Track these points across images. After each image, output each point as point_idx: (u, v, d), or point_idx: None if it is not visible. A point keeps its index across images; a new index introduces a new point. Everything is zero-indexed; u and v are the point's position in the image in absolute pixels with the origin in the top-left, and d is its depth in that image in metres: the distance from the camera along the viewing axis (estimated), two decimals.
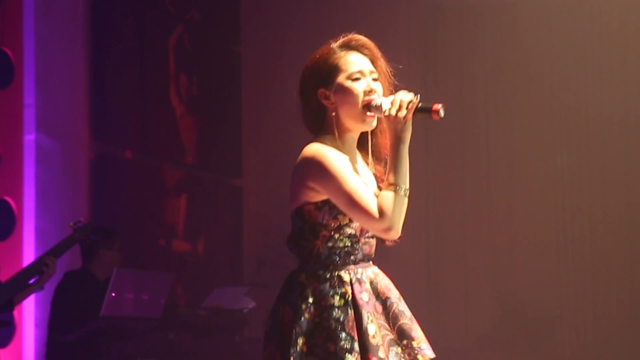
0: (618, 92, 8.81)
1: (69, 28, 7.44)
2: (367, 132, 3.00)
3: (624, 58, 8.79)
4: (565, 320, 8.78)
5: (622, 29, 8.78)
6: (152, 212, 8.31)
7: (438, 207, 9.03)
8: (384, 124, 2.97)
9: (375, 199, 2.80)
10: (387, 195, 2.80)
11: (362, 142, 3.02)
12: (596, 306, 8.77)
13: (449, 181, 9.05)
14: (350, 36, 3.00)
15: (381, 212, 2.78)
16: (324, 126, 2.96)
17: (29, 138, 7.05)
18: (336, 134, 2.93)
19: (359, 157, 3.03)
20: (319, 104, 2.95)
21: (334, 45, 2.99)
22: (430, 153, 8.71)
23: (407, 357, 2.87)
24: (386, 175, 2.85)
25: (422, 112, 2.83)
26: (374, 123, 2.95)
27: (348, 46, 2.97)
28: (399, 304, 2.93)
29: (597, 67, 8.92)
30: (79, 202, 7.35)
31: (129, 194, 8.01)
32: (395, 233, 2.81)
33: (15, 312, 6.67)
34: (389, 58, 3.05)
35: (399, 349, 2.86)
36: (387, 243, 2.99)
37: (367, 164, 3.03)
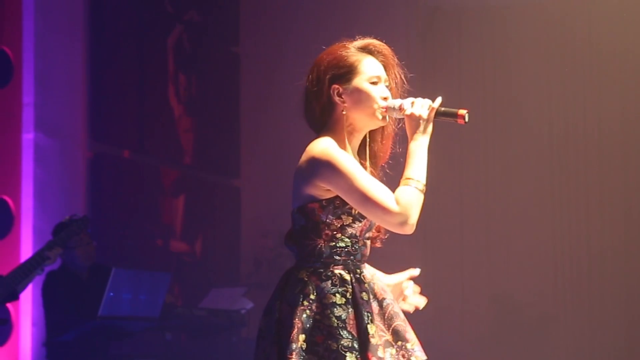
0: (615, 95, 8.82)
1: (69, 27, 7.45)
2: (365, 137, 3.00)
3: (622, 63, 8.80)
4: (561, 322, 8.79)
5: (621, 34, 8.79)
6: (149, 212, 8.31)
7: (435, 209, 9.02)
8: (387, 130, 2.99)
9: (390, 193, 2.79)
10: (405, 189, 2.80)
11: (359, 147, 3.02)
12: (592, 309, 8.78)
13: (446, 183, 9.05)
14: (369, 40, 3.00)
15: (399, 205, 2.77)
16: (329, 123, 2.95)
17: (28, 137, 7.06)
18: (343, 132, 2.93)
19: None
20: (328, 99, 2.94)
21: (352, 45, 2.98)
22: (427, 154, 8.68)
23: (401, 358, 2.85)
24: (404, 170, 2.85)
25: (446, 115, 2.87)
26: (387, 119, 2.95)
27: (367, 49, 2.98)
28: (394, 306, 2.92)
29: (596, 68, 8.93)
30: (77, 201, 7.36)
31: (126, 194, 8.01)
32: (411, 228, 2.79)
33: (12, 311, 6.69)
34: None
35: (394, 350, 2.84)
36: (377, 245, 2.98)
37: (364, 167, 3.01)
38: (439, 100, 2.88)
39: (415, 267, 3.16)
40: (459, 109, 2.85)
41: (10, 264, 6.59)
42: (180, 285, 8.38)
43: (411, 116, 2.87)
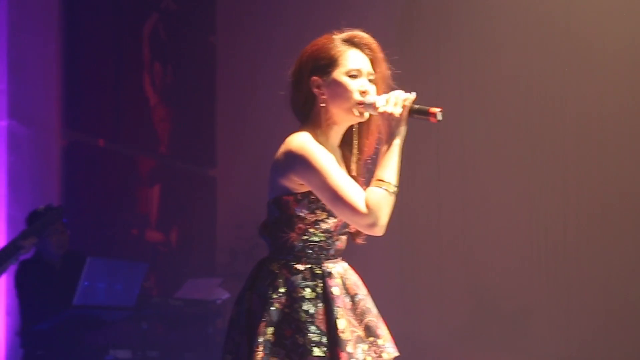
0: (595, 83, 8.83)
1: (43, 14, 7.39)
2: (350, 130, 2.97)
3: (601, 54, 8.82)
4: (538, 315, 8.81)
5: (600, 24, 8.81)
6: (125, 201, 8.27)
7: (412, 200, 9.03)
8: (373, 125, 2.95)
9: (362, 194, 2.76)
10: (375, 191, 2.76)
11: (343, 140, 2.99)
12: (570, 301, 8.81)
13: (423, 174, 9.05)
14: (354, 32, 2.94)
15: (368, 207, 2.74)
16: (311, 115, 2.92)
17: (1, 124, 7.00)
18: (322, 125, 2.90)
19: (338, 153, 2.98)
20: (309, 90, 2.90)
21: (337, 37, 2.94)
22: (404, 145, 8.68)
23: (372, 354, 2.84)
24: (376, 170, 2.82)
25: (418, 113, 2.82)
26: (366, 115, 2.90)
27: (351, 42, 2.92)
28: (367, 301, 2.91)
29: (575, 60, 8.94)
30: (51, 190, 7.31)
31: (101, 183, 7.97)
32: (380, 230, 2.77)
33: None
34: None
35: (365, 346, 2.84)
36: (358, 241, 2.97)
37: (346, 162, 2.99)
38: (412, 95, 2.83)
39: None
40: (432, 106, 2.81)
41: None
42: (155, 275, 8.35)
43: (384, 114, 2.82)
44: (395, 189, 2.79)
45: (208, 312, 7.39)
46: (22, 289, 6.24)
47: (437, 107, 2.80)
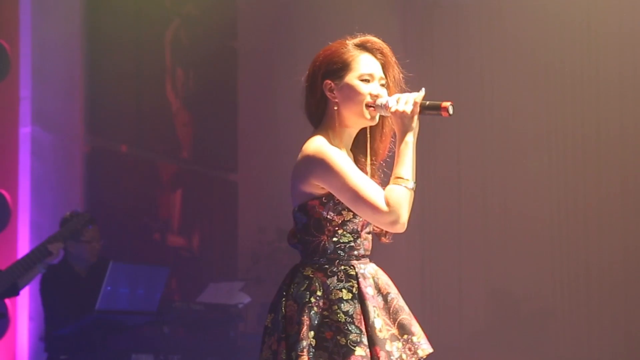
0: (614, 87, 8.83)
1: (66, 21, 7.44)
2: (363, 133, 3.02)
3: (620, 55, 8.81)
4: (558, 317, 8.80)
5: (618, 26, 8.80)
6: (147, 206, 8.31)
7: (432, 204, 9.03)
8: (386, 128, 3.01)
9: (381, 192, 2.82)
10: (395, 189, 2.82)
11: (355, 144, 3.04)
12: (590, 304, 8.79)
13: (444, 177, 9.06)
14: (367, 37, 3.01)
15: (388, 205, 2.79)
16: (324, 118, 2.98)
17: (25, 131, 7.05)
18: (335, 128, 2.95)
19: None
20: (322, 94, 2.96)
21: (350, 42, 2.99)
22: (425, 148, 8.72)
23: (407, 351, 2.89)
24: (393, 169, 2.87)
25: (430, 109, 2.87)
26: (377, 118, 2.96)
27: (364, 47, 2.98)
28: (399, 300, 2.95)
29: (594, 62, 8.94)
30: (74, 196, 7.36)
31: (124, 188, 8.01)
32: (402, 226, 2.82)
33: (9, 305, 6.68)
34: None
35: (400, 344, 2.88)
36: (383, 240, 3.01)
37: (358, 165, 3.02)
38: (422, 92, 2.89)
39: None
40: (443, 101, 2.86)
41: (7, 258, 6.59)
42: (177, 280, 8.38)
43: (396, 113, 2.87)
44: (413, 184, 2.84)
45: (230, 317, 7.40)
46: (47, 295, 6.27)
47: (447, 101, 2.86)
